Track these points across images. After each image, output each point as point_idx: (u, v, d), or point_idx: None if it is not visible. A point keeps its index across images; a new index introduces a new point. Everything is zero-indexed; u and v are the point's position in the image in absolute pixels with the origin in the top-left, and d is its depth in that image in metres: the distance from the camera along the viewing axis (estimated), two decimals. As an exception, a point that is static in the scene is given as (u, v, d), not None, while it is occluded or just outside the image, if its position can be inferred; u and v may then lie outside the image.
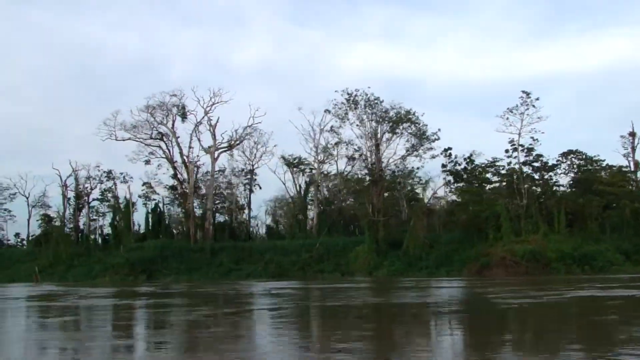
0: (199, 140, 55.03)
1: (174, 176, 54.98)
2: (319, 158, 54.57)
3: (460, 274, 37.64)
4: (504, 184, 43.21)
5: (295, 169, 61.90)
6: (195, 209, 55.15)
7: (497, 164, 46.65)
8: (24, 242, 74.87)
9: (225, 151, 56.23)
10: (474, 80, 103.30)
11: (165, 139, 53.45)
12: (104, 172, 62.05)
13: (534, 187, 42.06)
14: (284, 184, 62.25)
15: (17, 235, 74.03)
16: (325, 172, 57.44)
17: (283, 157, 60.42)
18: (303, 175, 61.43)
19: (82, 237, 62.81)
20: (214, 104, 53.63)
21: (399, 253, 44.05)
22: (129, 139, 54.33)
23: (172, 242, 51.55)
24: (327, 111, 46.15)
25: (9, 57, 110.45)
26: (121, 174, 61.26)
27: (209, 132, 55.15)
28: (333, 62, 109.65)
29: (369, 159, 44.92)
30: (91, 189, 64.54)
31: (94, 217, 72.28)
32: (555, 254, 34.78)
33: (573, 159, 48.20)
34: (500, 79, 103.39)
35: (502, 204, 38.29)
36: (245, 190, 62.59)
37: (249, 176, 60.50)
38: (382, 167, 45.21)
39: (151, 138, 53.19)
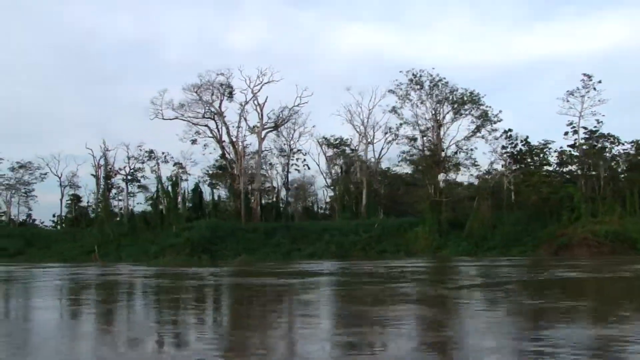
0: (245, 120, 54.56)
1: (222, 156, 54.41)
2: (367, 139, 54.46)
3: (535, 254, 37.96)
4: (573, 166, 43.57)
5: (335, 149, 61.80)
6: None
7: (549, 146, 47.28)
8: (53, 221, 73.85)
9: (271, 131, 55.76)
10: (471, 63, 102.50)
11: (216, 119, 52.78)
12: (146, 151, 61.11)
13: (605, 169, 42.47)
14: (318, 165, 62.41)
15: (54, 215, 72.87)
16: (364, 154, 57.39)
17: (325, 138, 60.22)
18: (343, 156, 61.36)
19: (122, 217, 62.11)
20: (263, 83, 52.96)
21: (461, 233, 44.31)
22: (176, 118, 53.68)
23: (223, 222, 51.02)
24: (392, 91, 45.87)
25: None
26: (162, 153, 60.56)
27: (255, 111, 54.69)
28: (329, 44, 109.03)
29: (433, 140, 44.84)
30: (130, 168, 63.68)
31: (120, 198, 71.96)
32: (637, 234, 35.22)
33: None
34: (497, 62, 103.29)
35: (576, 186, 38.59)
36: (283, 171, 62.36)
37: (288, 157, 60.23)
38: (443, 148, 45.21)
39: (204, 117, 52.50)
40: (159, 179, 58.31)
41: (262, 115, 54.17)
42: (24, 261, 50.27)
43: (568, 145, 46.96)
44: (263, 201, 58.81)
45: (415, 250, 43.94)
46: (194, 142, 54.40)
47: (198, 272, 28.45)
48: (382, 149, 56.48)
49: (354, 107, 53.88)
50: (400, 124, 46.38)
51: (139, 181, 71.13)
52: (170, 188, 56.02)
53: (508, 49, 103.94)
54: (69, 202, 73.53)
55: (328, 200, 64.98)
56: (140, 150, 61.11)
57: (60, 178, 69.73)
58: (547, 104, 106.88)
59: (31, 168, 70.37)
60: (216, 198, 60.68)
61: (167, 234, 50.19)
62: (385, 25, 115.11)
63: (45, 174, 70.82)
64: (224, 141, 53.74)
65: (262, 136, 54.53)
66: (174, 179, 57.61)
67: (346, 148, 60.78)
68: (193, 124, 53.40)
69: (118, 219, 63.01)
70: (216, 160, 58.12)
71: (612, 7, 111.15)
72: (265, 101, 53.80)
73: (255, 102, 54.00)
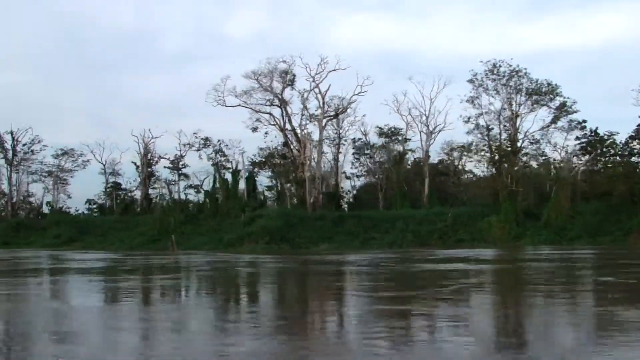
0: (306, 108, 54.33)
1: (285, 144, 54.20)
2: (429, 128, 54.52)
3: (624, 243, 38.44)
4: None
5: (387, 139, 61.76)
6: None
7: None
8: (88, 209, 73.02)
9: (331, 119, 55.59)
10: (471, 53, 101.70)
11: (280, 106, 52.50)
12: (202, 138, 60.67)
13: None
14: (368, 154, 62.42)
15: (89, 201, 72.01)
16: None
17: (379, 127, 60.14)
18: (397, 145, 61.37)
19: (173, 206, 61.63)
20: (329, 71, 52.59)
21: (537, 223, 44.67)
22: (239, 105, 53.33)
23: (293, 210, 50.91)
24: (471, 81, 45.83)
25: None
26: (218, 141, 60.20)
27: (316, 100, 54.45)
28: (328, 33, 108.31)
29: (510, 130, 45.05)
30: (181, 156, 63.19)
31: (155, 186, 71.50)
32: None
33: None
34: (497, 52, 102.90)
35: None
36: (334, 160, 62.20)
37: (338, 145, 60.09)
38: (518, 138, 45.47)
39: (271, 104, 52.21)
40: (216, 166, 57.93)
41: (323, 103, 53.99)
42: (81, 249, 49.93)
43: (630, 137, 47.39)
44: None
45: (491, 239, 44.22)
46: (254, 130, 54.12)
47: (355, 260, 28.53)
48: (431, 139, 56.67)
49: (413, 97, 53.87)
50: (480, 114, 46.39)
51: (180, 169, 70.92)
52: (230, 176, 55.79)
53: (508, 39, 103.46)
54: (110, 189, 72.98)
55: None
56: (196, 137, 60.46)
57: (104, 165, 69.25)
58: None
59: (74, 155, 69.77)
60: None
61: (234, 223, 50.00)
62: (385, 15, 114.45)
63: (87, 161, 70.29)
64: (287, 129, 53.46)
65: (323, 124, 54.35)
66: (234, 167, 57.44)
67: (398, 137, 60.78)
68: (256, 111, 53.07)
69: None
70: (274, 149, 57.89)
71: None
72: (328, 89, 53.63)
73: (317, 90, 53.84)
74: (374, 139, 61.40)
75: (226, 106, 52.97)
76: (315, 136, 54.83)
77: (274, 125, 53.52)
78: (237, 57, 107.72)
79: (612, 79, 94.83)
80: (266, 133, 54.43)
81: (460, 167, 62.31)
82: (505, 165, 45.55)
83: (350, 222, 48.55)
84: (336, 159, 60.67)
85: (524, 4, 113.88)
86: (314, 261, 29.04)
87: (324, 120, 54.40)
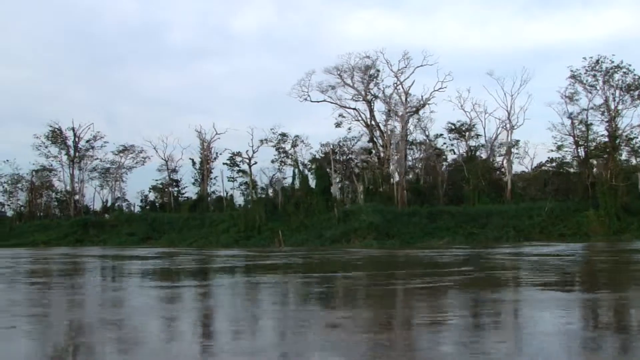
0: (389, 103, 54.45)
1: (370, 140, 54.29)
2: (512, 123, 55.05)
3: None
4: None
5: (457, 134, 62.17)
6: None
7: None
8: (140, 205, 72.20)
9: (412, 115, 55.78)
10: (476, 50, 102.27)
11: (370, 101, 52.61)
12: (280, 134, 60.38)
13: None
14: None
15: (144, 198, 71.25)
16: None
17: (452, 124, 60.47)
18: (469, 140, 61.76)
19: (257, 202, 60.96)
20: (415, 67, 52.83)
21: (636, 219, 45.41)
22: (324, 100, 53.28)
23: (384, 207, 50.91)
24: (573, 77, 46.32)
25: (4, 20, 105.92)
26: (296, 136, 60.01)
27: (396, 95, 54.61)
28: (334, 30, 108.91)
29: (612, 125, 45.73)
30: (254, 151, 62.79)
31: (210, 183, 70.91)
32: None
33: None
34: (503, 48, 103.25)
35: None
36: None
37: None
38: (618, 134, 46.16)
39: (359, 99, 52.24)
40: (296, 162, 57.74)
41: (406, 99, 54.17)
42: (166, 246, 49.37)
43: None
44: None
45: (591, 233, 44.84)
46: (338, 125, 54.13)
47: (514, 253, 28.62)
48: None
49: (499, 93, 54.28)
50: (584, 110, 46.89)
51: (238, 165, 70.58)
52: (313, 172, 55.65)
53: (515, 34, 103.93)
54: (162, 186, 72.32)
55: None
56: (274, 133, 60.17)
57: (167, 162, 68.56)
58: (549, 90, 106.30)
59: (134, 151, 68.94)
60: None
61: (326, 219, 49.83)
62: (391, 11, 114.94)
63: (147, 157, 69.50)
64: (372, 125, 53.56)
65: (406, 120, 54.54)
66: (312, 163, 57.28)
67: (470, 133, 61.19)
68: (341, 106, 53.11)
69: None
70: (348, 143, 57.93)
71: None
72: (412, 85, 53.88)
73: (399, 86, 54.03)
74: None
75: (311, 101, 52.91)
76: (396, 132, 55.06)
77: (358, 121, 53.53)
78: (242, 54, 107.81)
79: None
80: (349, 129, 54.47)
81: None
82: (603, 160, 46.17)
83: (444, 218, 48.79)
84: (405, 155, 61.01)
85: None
86: (490, 255, 28.97)
87: (407, 116, 54.63)
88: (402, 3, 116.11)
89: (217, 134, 65.56)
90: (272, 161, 60.93)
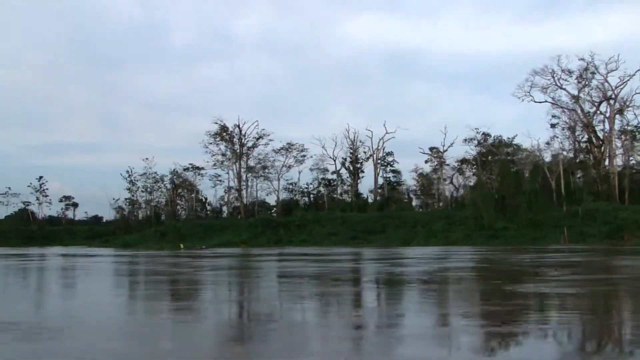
0: (597, 104, 54.92)
1: (589, 140, 54.54)
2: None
3: None
4: None
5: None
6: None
7: None
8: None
9: (617, 113, 56.31)
10: (475, 53, 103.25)
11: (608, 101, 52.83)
12: (483, 133, 59.55)
13: None
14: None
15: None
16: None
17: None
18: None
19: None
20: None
21: None
22: (545, 101, 53.31)
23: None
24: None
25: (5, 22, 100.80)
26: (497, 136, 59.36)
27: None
28: (334, 32, 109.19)
29: None
30: (444, 150, 61.72)
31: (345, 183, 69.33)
32: None
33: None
34: (502, 52, 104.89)
35: None
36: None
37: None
38: None
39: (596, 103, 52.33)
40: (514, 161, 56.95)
41: (616, 98, 54.74)
42: (379, 247, 47.58)
43: None
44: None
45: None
46: (553, 125, 54.25)
47: None
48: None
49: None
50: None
51: (392, 165, 69.68)
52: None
53: (512, 38, 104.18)
54: (314, 185, 70.26)
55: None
56: (477, 132, 59.32)
57: (335, 160, 66.61)
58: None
59: (294, 150, 66.39)
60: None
61: (559, 215, 49.50)
62: (391, 15, 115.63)
63: (307, 156, 67.17)
64: (587, 126, 53.85)
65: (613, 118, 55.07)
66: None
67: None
68: (560, 107, 53.19)
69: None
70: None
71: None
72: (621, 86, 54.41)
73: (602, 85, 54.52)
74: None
75: (535, 102, 52.79)
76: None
77: (577, 121, 53.62)
78: (242, 56, 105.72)
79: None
80: (563, 129, 54.59)
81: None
82: None
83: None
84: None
85: (528, 4, 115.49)
86: None
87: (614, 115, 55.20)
88: (401, 6, 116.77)
89: (387, 132, 64.39)
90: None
